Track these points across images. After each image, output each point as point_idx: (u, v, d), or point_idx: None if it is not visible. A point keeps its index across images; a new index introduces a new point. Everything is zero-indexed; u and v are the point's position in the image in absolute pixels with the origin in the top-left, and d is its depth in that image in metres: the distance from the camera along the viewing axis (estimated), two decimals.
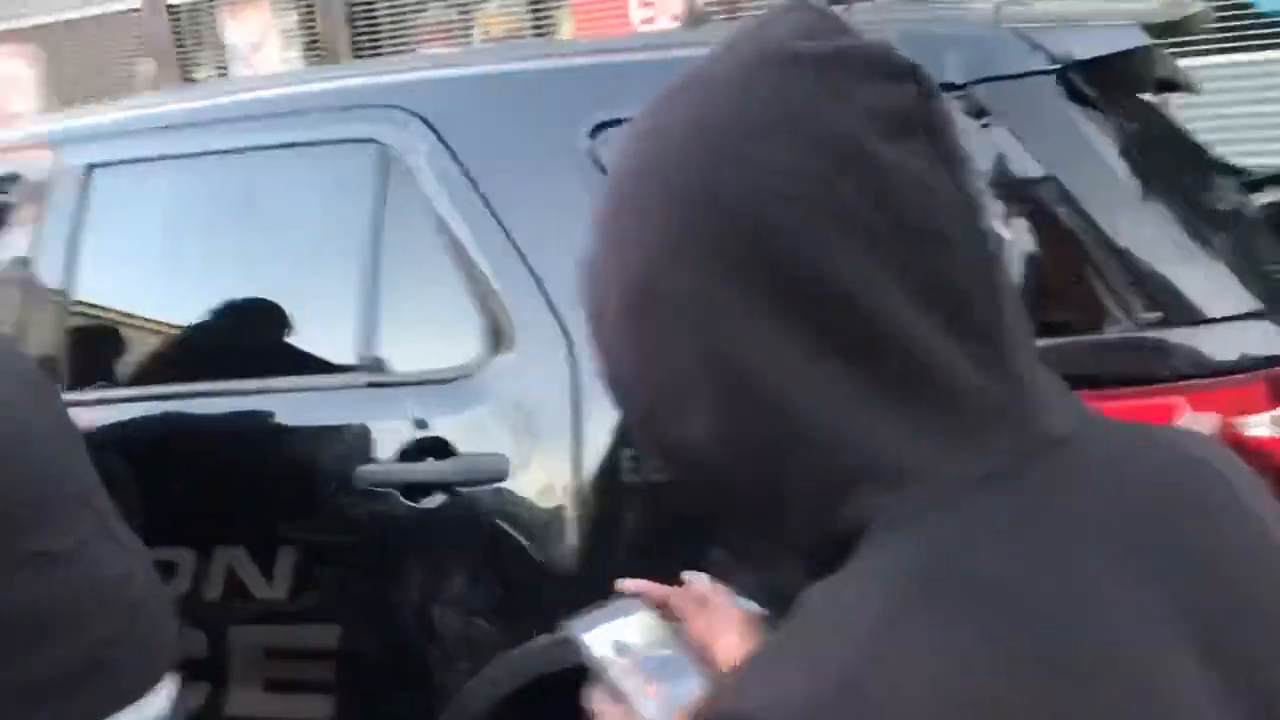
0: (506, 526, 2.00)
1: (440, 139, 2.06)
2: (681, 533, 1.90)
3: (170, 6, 10.81)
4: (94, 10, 11.11)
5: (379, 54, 9.49)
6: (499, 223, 2.02)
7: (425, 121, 2.08)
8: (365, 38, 9.91)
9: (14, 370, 2.01)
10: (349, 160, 2.14)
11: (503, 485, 1.97)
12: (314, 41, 10.26)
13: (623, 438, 1.91)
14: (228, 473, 2.21)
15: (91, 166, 2.34)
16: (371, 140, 2.11)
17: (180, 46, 10.89)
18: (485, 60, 2.61)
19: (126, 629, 1.95)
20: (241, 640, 2.21)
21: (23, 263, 2.38)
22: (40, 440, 1.92)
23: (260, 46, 10.62)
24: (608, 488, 1.93)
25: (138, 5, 10.87)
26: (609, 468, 1.93)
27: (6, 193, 2.40)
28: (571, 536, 1.96)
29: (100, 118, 2.57)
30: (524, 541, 1.99)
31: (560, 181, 2.01)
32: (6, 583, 1.80)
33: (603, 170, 1.96)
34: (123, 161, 2.34)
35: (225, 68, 10.40)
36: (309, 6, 10.12)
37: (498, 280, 2.01)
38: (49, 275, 2.34)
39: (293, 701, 2.19)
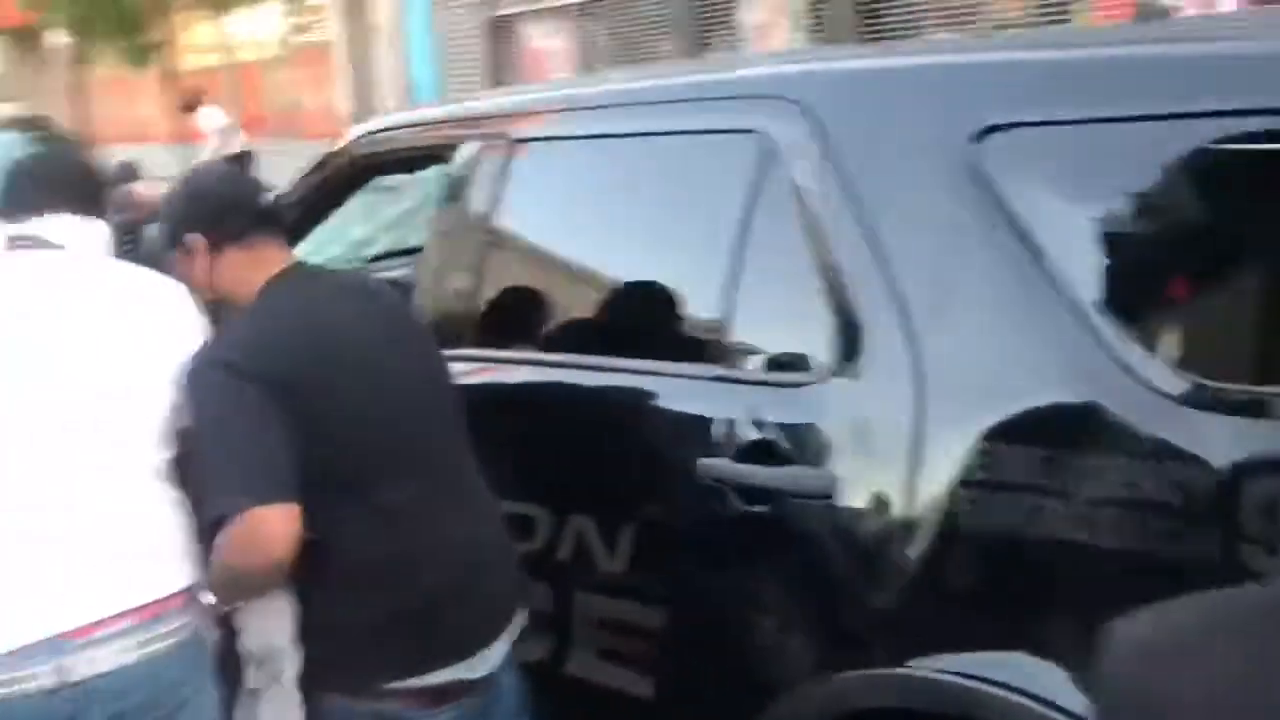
0: (830, 547, 1.90)
1: (819, 133, 1.98)
2: (1012, 588, 1.73)
3: None
4: None
5: (883, 39, 9.41)
6: (866, 228, 1.90)
7: (807, 113, 2.01)
8: (870, 23, 9.86)
9: (384, 318, 2.13)
10: (730, 150, 2.12)
11: (831, 502, 1.88)
12: (820, 24, 10.37)
13: (963, 476, 1.75)
14: (587, 442, 2.29)
15: (514, 141, 2.51)
16: (752, 130, 2.08)
17: (697, 23, 11.42)
18: (875, 54, 2.49)
19: (467, 586, 2.04)
20: (579, 605, 2.29)
21: (453, 227, 2.59)
22: (396, 393, 2.02)
23: (770, 27, 10.90)
24: (940, 525, 1.78)
25: None
26: (945, 504, 1.77)
27: (448, 163, 2.62)
28: (896, 570, 1.82)
29: (522, 97, 2.75)
30: (844, 566, 1.89)
31: (936, 189, 1.86)
32: (357, 532, 1.94)
33: (983, 180, 1.79)
34: (535, 139, 2.49)
35: (736, 45, 10.80)
36: None
37: (855, 289, 1.91)
38: (471, 238, 2.54)
39: (613, 672, 2.25)
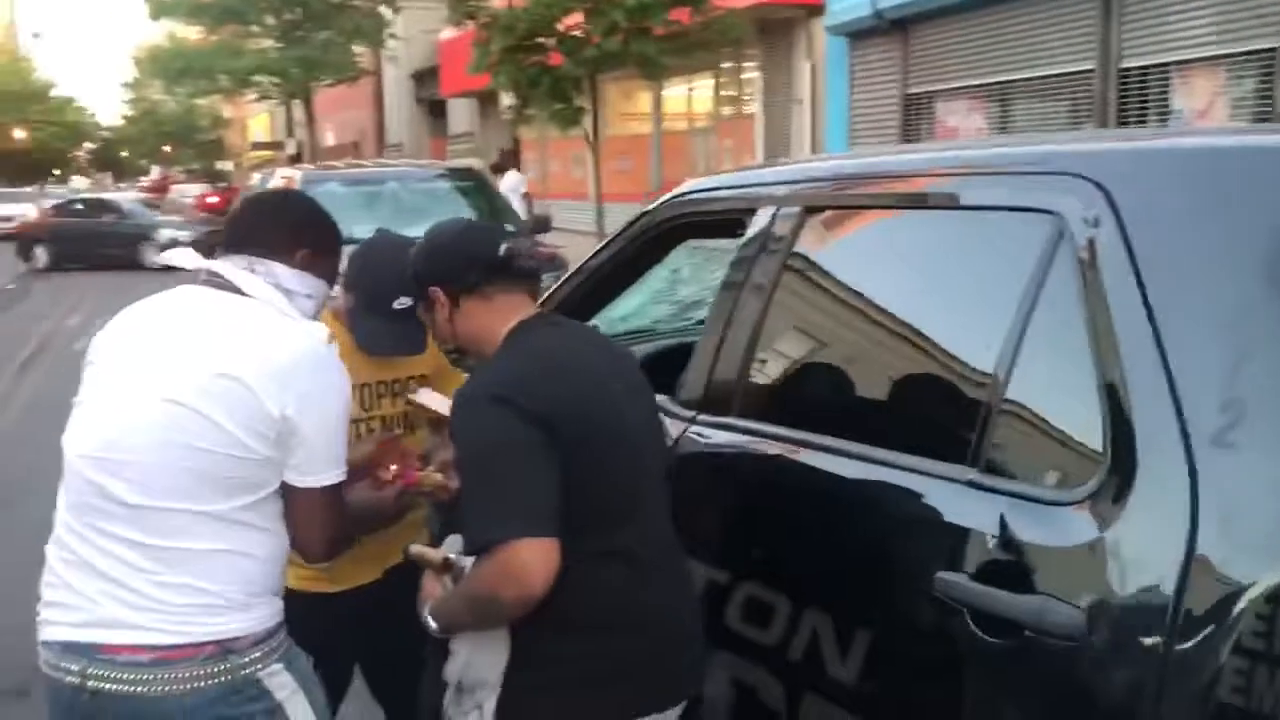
0: (1070, 696, 1.61)
1: (1115, 216, 1.71)
2: None
3: (1124, 70, 10.69)
4: (1049, 70, 11.42)
5: None
6: (1154, 329, 1.61)
7: (1103, 195, 1.74)
8: None
9: (625, 369, 2.13)
10: (1021, 228, 1.88)
11: (1075, 645, 1.59)
12: (1266, 111, 9.39)
13: (1234, 643, 1.42)
14: (827, 529, 2.10)
15: (805, 209, 2.38)
16: (1046, 210, 1.83)
17: (1124, 109, 10.72)
18: (1185, 134, 2.12)
19: (675, 641, 2.04)
20: (792, 691, 2.11)
21: (734, 291, 2.50)
22: (632, 444, 2.02)
23: (1206, 113, 10.02)
24: (1200, 696, 1.45)
25: (1091, 67, 10.92)
26: (1205, 672, 1.44)
27: (744, 227, 2.54)
28: None
29: (817, 165, 2.61)
30: None
31: (1243, 292, 1.55)
32: (581, 575, 1.90)
33: None
34: (825, 207, 2.35)
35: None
36: (1267, 72, 9.28)
37: (1135, 397, 1.61)
38: (749, 304, 2.43)
39: None
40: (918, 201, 2.15)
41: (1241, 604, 1.42)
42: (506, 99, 16.24)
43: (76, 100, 78.20)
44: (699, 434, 2.43)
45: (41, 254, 23.55)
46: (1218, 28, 9.60)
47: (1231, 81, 9.81)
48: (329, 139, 38.81)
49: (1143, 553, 1.56)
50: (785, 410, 2.32)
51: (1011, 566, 1.70)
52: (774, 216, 2.42)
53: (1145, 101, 10.57)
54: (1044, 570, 1.66)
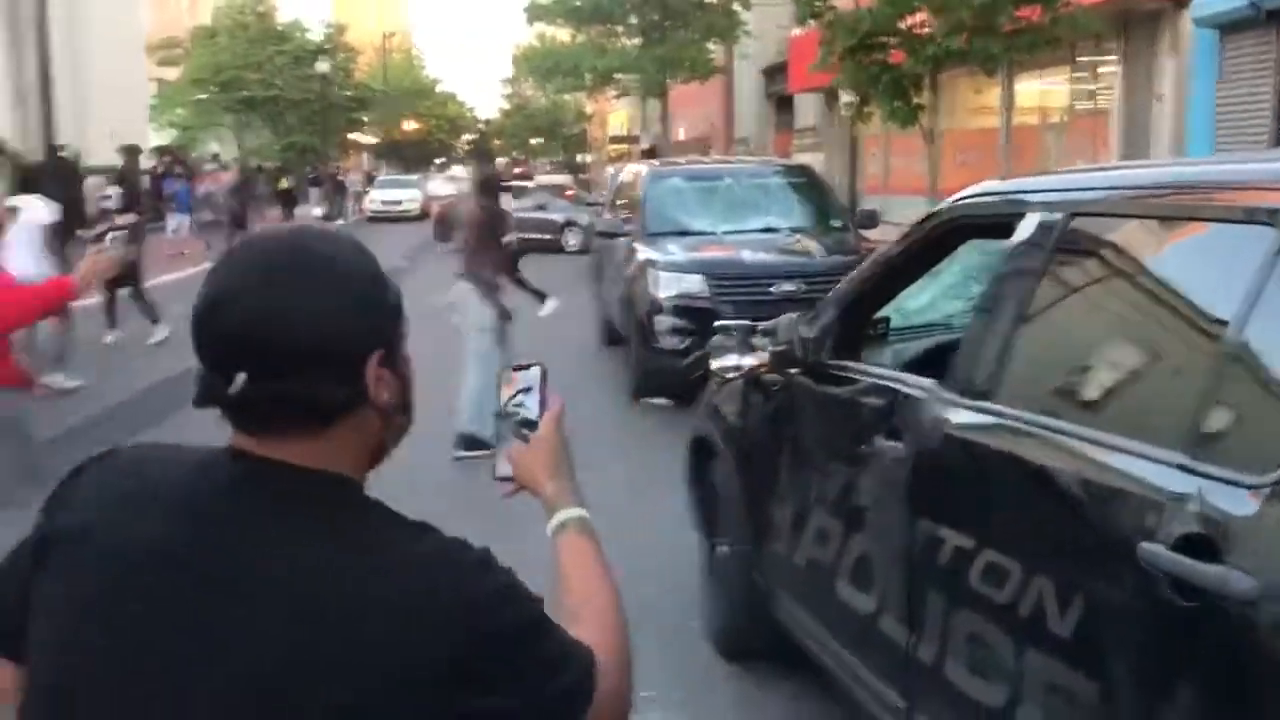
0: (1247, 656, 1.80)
1: None
2: None
3: None
4: None
5: None
6: None
7: None
8: None
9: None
10: (1245, 237, 2.06)
11: (1249, 610, 1.79)
12: None
13: None
14: (1053, 504, 2.35)
15: (1071, 214, 2.60)
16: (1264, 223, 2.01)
17: None
18: None
19: None
20: (1015, 651, 2.38)
21: (1000, 293, 2.76)
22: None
23: None
24: None
25: None
26: None
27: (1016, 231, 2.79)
28: None
29: (1096, 174, 2.81)
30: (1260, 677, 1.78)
31: None
32: None
33: None
34: (1090, 214, 2.57)
35: None
36: None
37: None
38: (1010, 304, 2.68)
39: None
40: (1153, 211, 2.35)
41: None
42: (846, 96, 16.48)
43: (458, 96, 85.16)
44: (957, 416, 2.72)
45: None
46: None
47: None
48: (681, 133, 40.31)
49: None
50: (1036, 398, 2.57)
51: (1203, 539, 1.91)
52: (1041, 222, 2.66)
53: None
54: (1236, 542, 1.87)
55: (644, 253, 9.39)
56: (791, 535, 3.67)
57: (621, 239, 10.31)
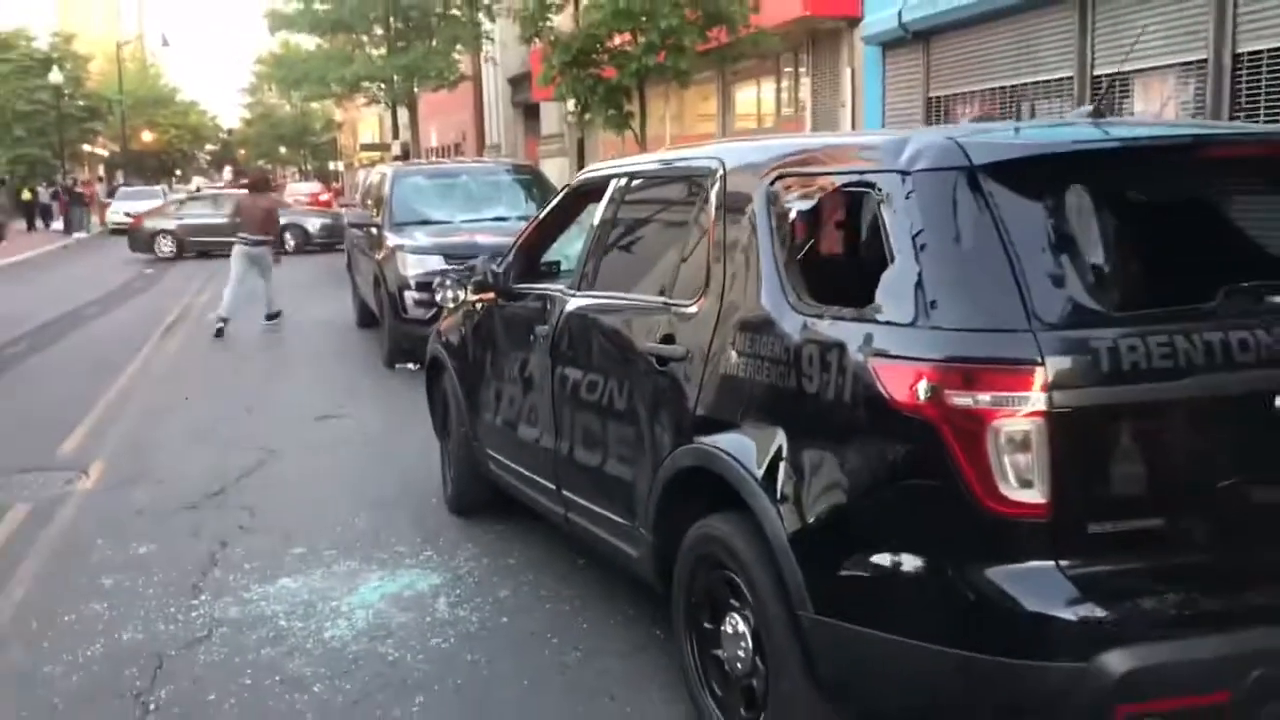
0: None
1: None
2: None
3: (1095, 77, 12.10)
4: (1041, 76, 12.90)
5: None
6: None
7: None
8: None
9: None
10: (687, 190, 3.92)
11: (685, 364, 3.64)
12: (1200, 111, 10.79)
13: None
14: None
15: (629, 180, 4.44)
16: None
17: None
18: None
19: None
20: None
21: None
22: None
23: (1160, 114, 11.43)
24: None
25: (1071, 74, 12.42)
26: None
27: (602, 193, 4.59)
28: None
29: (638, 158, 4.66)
30: None
31: None
32: None
33: None
34: (637, 180, 4.42)
35: None
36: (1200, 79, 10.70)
37: None
38: (600, 238, 4.50)
39: None
40: (661, 175, 4.23)
41: None
42: (570, 105, 18.44)
43: (200, 105, 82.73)
44: (572, 302, 4.52)
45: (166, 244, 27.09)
46: (1164, 42, 11.14)
47: (1179, 87, 11.33)
48: (433, 140, 41.28)
49: None
50: (603, 286, 4.40)
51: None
52: (613, 187, 4.49)
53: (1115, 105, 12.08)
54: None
55: (392, 239, 10.97)
56: (493, 407, 5.38)
57: (372, 229, 11.88)
